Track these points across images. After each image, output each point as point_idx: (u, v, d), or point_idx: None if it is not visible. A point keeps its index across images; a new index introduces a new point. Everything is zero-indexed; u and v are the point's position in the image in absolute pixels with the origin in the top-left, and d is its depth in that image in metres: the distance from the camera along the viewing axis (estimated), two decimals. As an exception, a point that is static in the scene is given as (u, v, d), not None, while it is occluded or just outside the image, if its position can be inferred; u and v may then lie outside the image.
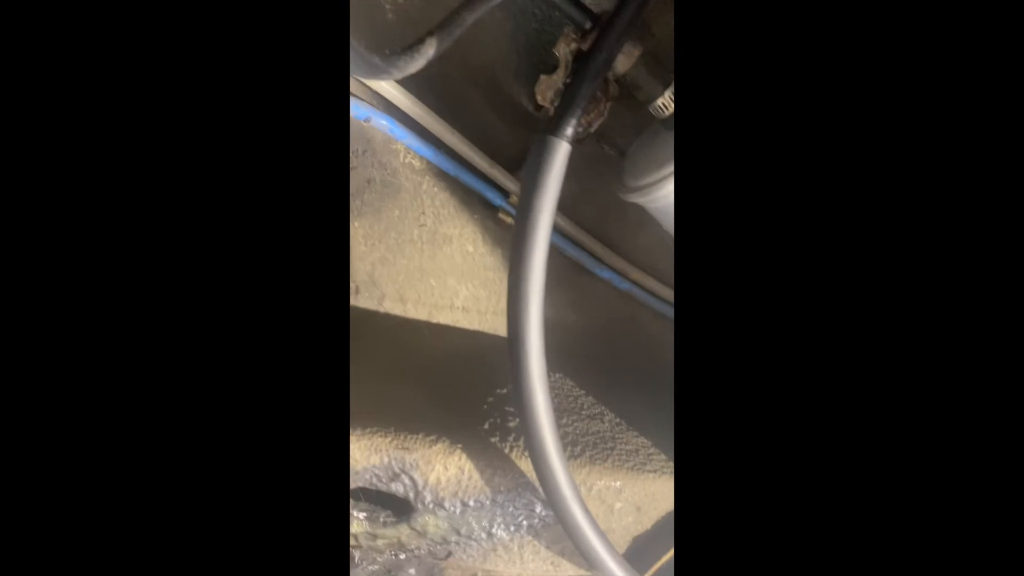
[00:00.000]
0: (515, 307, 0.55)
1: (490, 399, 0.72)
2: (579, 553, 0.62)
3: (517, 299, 0.55)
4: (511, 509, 0.67)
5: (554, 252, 0.84)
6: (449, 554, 0.69)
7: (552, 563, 0.73)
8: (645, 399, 0.86)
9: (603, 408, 0.79)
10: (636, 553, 0.78)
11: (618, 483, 0.69)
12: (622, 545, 0.77)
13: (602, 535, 0.60)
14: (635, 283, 0.88)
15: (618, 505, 0.72)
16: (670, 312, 0.92)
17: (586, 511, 0.59)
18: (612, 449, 0.73)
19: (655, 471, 0.73)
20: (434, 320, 0.84)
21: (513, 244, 0.56)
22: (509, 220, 0.79)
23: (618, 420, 0.78)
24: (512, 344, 0.56)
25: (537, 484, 0.62)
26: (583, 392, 0.80)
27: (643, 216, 0.74)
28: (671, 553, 0.75)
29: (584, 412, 0.77)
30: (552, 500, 0.58)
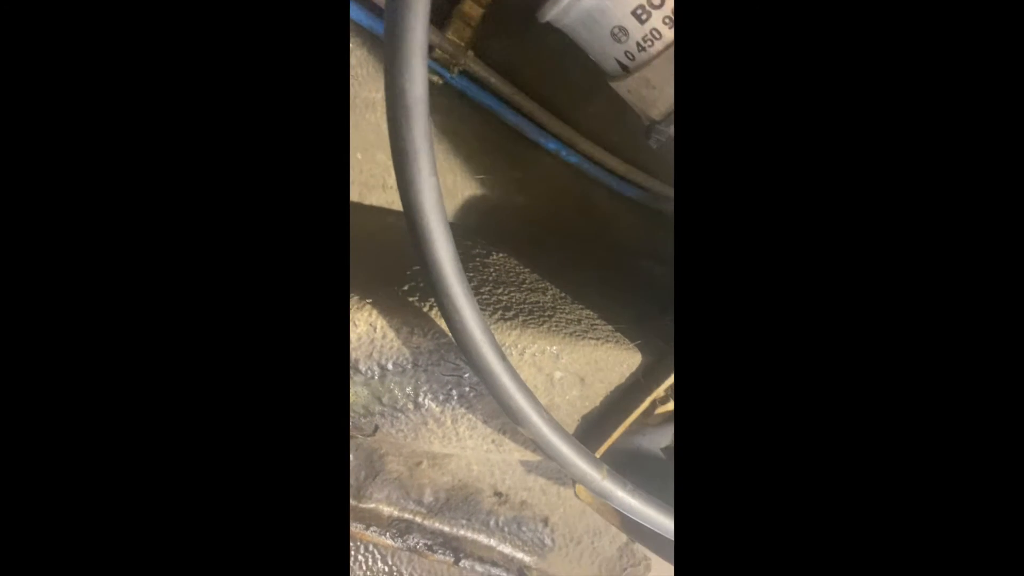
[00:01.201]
0: (397, 128, 0.47)
1: (416, 267, 0.67)
2: (511, 418, 0.58)
3: (399, 128, 0.48)
4: (437, 374, 0.62)
5: (492, 120, 0.78)
6: (376, 428, 0.65)
7: (494, 441, 0.69)
8: (596, 278, 0.80)
9: (548, 283, 0.74)
10: (588, 434, 0.73)
11: (554, 348, 0.64)
12: (570, 424, 0.72)
13: (527, 390, 0.55)
14: (585, 155, 0.82)
15: (558, 374, 0.67)
16: (626, 190, 0.86)
17: (506, 363, 0.54)
18: (551, 318, 0.67)
19: (598, 339, 0.68)
20: (365, 202, 0.78)
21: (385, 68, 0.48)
22: (436, 79, 0.73)
23: (563, 294, 0.73)
24: (398, 163, 0.49)
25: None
26: (527, 270, 0.75)
27: (592, 82, 0.68)
28: (622, 429, 0.70)
29: (525, 286, 0.71)
30: (465, 349, 0.53)
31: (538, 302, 0.69)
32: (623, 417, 0.70)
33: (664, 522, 0.66)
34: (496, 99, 0.75)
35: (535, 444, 0.59)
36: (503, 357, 0.53)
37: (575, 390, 0.69)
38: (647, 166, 0.85)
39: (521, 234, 0.82)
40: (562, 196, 0.85)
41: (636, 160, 0.85)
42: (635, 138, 0.82)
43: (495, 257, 0.75)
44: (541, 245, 0.82)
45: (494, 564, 0.85)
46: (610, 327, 0.70)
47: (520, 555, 0.89)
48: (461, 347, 0.53)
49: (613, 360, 0.68)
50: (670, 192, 0.87)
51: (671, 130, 0.59)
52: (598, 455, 0.71)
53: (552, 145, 0.80)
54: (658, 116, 0.58)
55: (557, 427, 0.57)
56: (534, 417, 0.55)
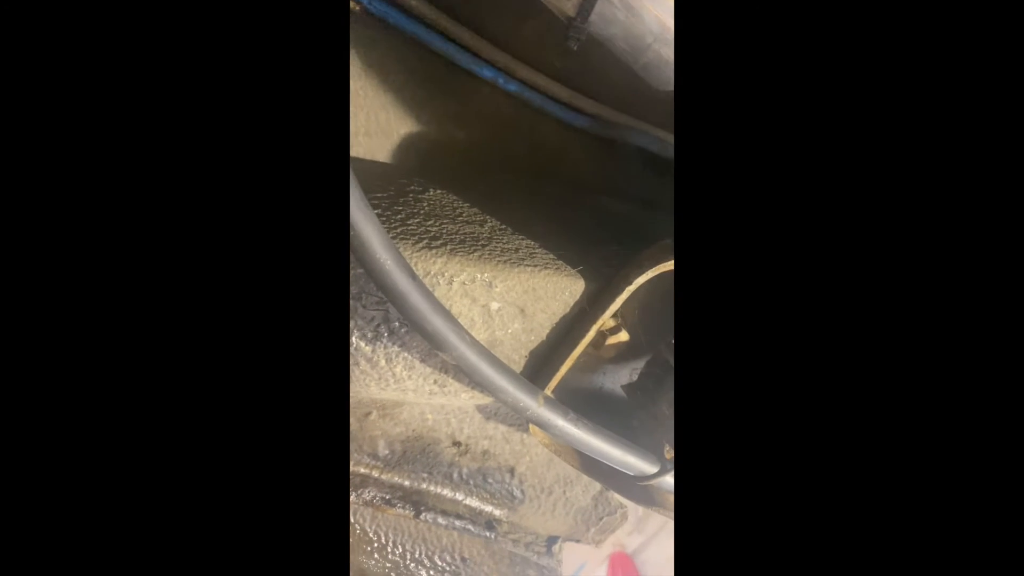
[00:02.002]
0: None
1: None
2: (429, 343, 0.54)
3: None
4: (359, 309, 0.59)
5: (419, 49, 0.73)
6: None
7: (436, 382, 0.65)
8: (544, 212, 0.76)
9: (487, 216, 0.70)
10: (538, 371, 0.70)
11: (486, 275, 0.61)
12: (517, 361, 0.69)
13: (443, 310, 0.51)
14: (524, 83, 0.77)
15: (495, 306, 0.63)
16: (573, 119, 0.82)
17: (417, 282, 0.50)
18: (484, 247, 0.64)
19: (536, 266, 0.64)
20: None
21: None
22: (353, 6, 0.69)
23: (503, 226, 0.69)
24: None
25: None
26: (467, 204, 0.71)
27: (525, 3, 0.63)
28: (570, 362, 0.67)
29: (461, 219, 0.68)
30: (368, 268, 0.49)
31: (473, 232, 0.66)
32: (571, 349, 0.66)
33: (612, 452, 0.62)
34: (421, 24, 0.71)
35: (463, 373, 0.56)
36: (413, 275, 0.50)
37: (516, 322, 0.65)
38: (595, 91, 0.81)
39: (463, 171, 0.78)
40: (506, 129, 0.81)
41: (583, 86, 0.80)
42: (580, 60, 0.78)
43: (432, 193, 0.71)
44: (485, 182, 0.78)
45: (459, 517, 0.83)
46: (551, 255, 0.66)
47: (488, 508, 0.86)
48: (363, 266, 0.49)
49: (553, 288, 0.64)
50: (620, 119, 0.83)
51: (588, 27, 0.55)
52: (549, 391, 0.67)
53: (488, 73, 0.75)
54: (572, 10, 0.54)
55: (483, 350, 0.54)
56: (453, 339, 0.52)
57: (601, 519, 0.91)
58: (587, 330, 0.65)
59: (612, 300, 0.64)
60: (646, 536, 5.57)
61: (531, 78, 0.77)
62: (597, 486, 0.89)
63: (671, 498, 0.69)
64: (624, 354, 0.75)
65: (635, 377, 0.77)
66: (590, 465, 0.72)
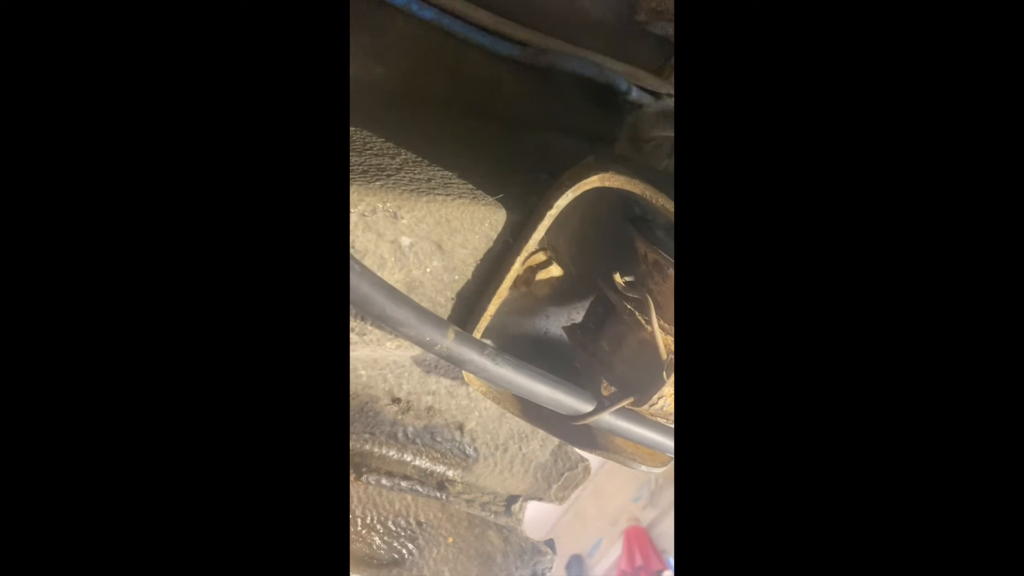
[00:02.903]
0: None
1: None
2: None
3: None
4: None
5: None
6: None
7: (355, 330, 0.61)
8: (468, 147, 0.71)
9: (401, 150, 0.65)
10: (468, 315, 0.65)
11: (389, 206, 0.56)
12: (444, 306, 0.64)
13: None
14: (441, 8, 0.72)
15: (406, 241, 0.58)
16: (502, 48, 0.76)
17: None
18: (390, 178, 0.59)
19: (449, 195, 0.59)
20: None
21: None
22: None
23: (417, 159, 0.64)
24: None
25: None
26: (380, 139, 0.66)
27: None
28: (498, 300, 0.62)
29: (368, 152, 0.63)
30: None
31: (380, 164, 0.60)
32: (498, 287, 0.61)
33: (540, 390, 0.57)
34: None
35: (358, 308, 0.51)
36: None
37: (435, 260, 0.61)
38: (524, 15, 0.75)
39: (381, 109, 0.73)
40: (428, 62, 0.75)
41: (510, 10, 0.75)
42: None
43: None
44: (405, 119, 0.73)
45: (405, 478, 0.78)
46: (469, 185, 0.61)
47: (440, 468, 0.82)
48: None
49: (470, 219, 0.59)
50: (554, 45, 0.77)
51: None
52: (478, 334, 0.63)
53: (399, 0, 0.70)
54: None
55: (378, 280, 0.49)
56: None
57: (562, 475, 0.87)
58: (512, 264, 0.60)
59: (535, 229, 0.59)
60: (660, 509, 5.54)
61: (449, 3, 0.71)
62: (555, 440, 0.85)
63: (616, 440, 0.64)
64: (565, 295, 0.70)
65: (578, 319, 0.72)
66: (532, 412, 0.68)
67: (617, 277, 0.57)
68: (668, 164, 0.64)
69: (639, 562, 4.65)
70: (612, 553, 5.04)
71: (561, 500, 0.87)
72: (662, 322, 0.60)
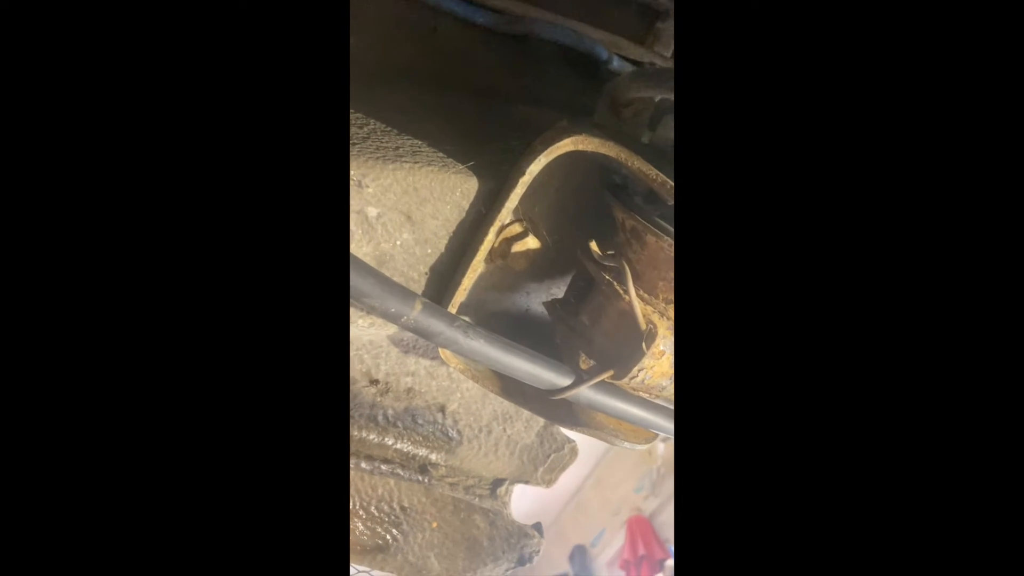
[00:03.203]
0: None
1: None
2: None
3: None
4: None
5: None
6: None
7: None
8: (435, 116, 0.69)
9: (370, 120, 0.63)
10: (443, 290, 0.63)
11: (353, 172, 0.53)
12: (419, 281, 0.62)
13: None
14: (410, -26, 0.69)
15: (372, 211, 0.56)
16: (475, 16, 0.74)
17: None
18: (355, 146, 0.56)
19: (419, 163, 0.57)
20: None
21: None
22: None
23: (386, 128, 0.62)
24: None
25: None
26: (350, 110, 0.64)
27: None
28: (472, 274, 0.60)
29: (337, 120, 0.60)
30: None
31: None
32: (472, 259, 0.59)
33: (515, 363, 0.55)
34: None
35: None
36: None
37: (404, 232, 0.58)
38: (497, -16, 0.73)
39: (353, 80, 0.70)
40: (400, 30, 0.73)
41: (482, -23, 0.72)
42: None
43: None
44: (377, 90, 0.70)
45: (386, 461, 0.76)
46: (439, 152, 0.59)
47: (422, 451, 0.80)
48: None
49: (440, 187, 0.57)
50: (531, 12, 0.75)
51: None
52: (454, 310, 0.61)
53: (367, -35, 0.67)
54: None
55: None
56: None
57: (549, 456, 0.85)
58: (485, 236, 0.58)
59: (508, 197, 0.57)
60: (662, 499, 5.52)
61: (418, -32, 0.69)
62: (540, 421, 0.83)
63: (598, 417, 0.62)
64: (544, 268, 0.68)
65: (560, 294, 0.70)
66: (512, 390, 0.66)
67: (594, 246, 0.55)
68: (648, 136, 0.62)
69: (642, 551, 4.64)
70: (615, 543, 5.04)
71: (548, 483, 0.85)
72: (641, 292, 0.58)
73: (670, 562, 4.33)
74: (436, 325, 0.51)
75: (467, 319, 0.56)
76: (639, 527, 4.87)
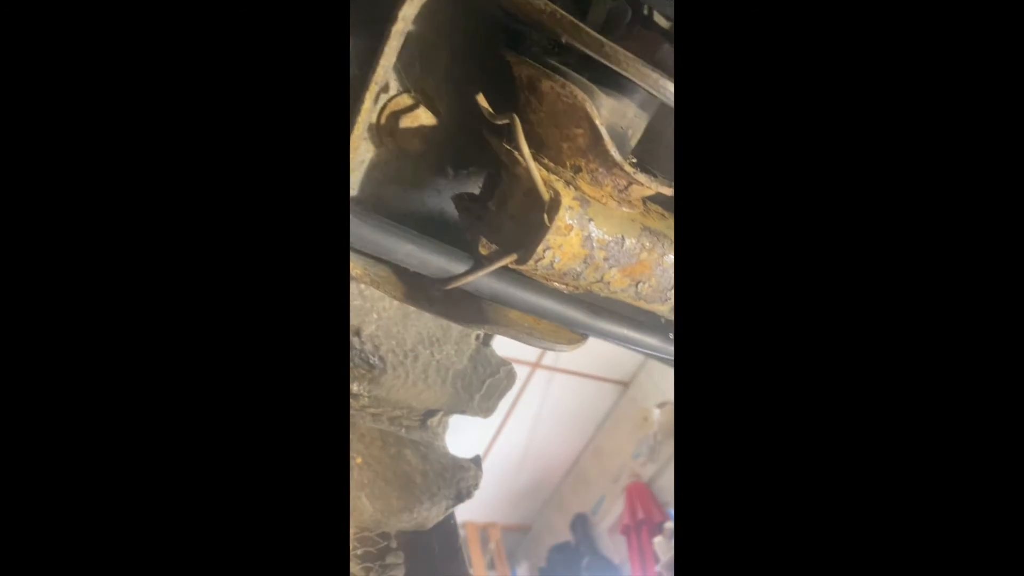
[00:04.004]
0: None
1: None
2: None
3: None
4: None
5: None
6: None
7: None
8: None
9: None
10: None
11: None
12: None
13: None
14: None
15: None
16: None
17: None
18: None
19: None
20: None
21: None
22: None
23: None
24: None
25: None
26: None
27: None
28: (351, 163, 0.51)
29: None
30: None
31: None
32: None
33: (399, 247, 0.47)
34: None
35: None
36: None
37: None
38: None
39: None
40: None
41: None
42: None
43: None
44: None
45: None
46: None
47: (340, 381, 0.72)
48: None
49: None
50: None
51: None
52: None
53: None
54: None
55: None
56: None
57: (484, 383, 0.77)
58: (361, 104, 0.50)
59: (382, 54, 0.48)
60: (660, 464, 5.54)
61: None
62: (471, 344, 0.75)
63: (510, 314, 0.55)
64: (448, 152, 0.60)
65: (475, 190, 0.62)
66: (414, 290, 0.58)
67: (481, 100, 0.47)
68: None
69: (641, 516, 4.62)
70: (615, 509, 5.04)
71: (487, 412, 0.78)
72: (545, 160, 0.50)
73: (668, 524, 4.31)
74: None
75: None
76: (638, 493, 4.86)
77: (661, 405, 4.68)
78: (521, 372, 3.84)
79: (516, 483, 5.08)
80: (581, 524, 5.12)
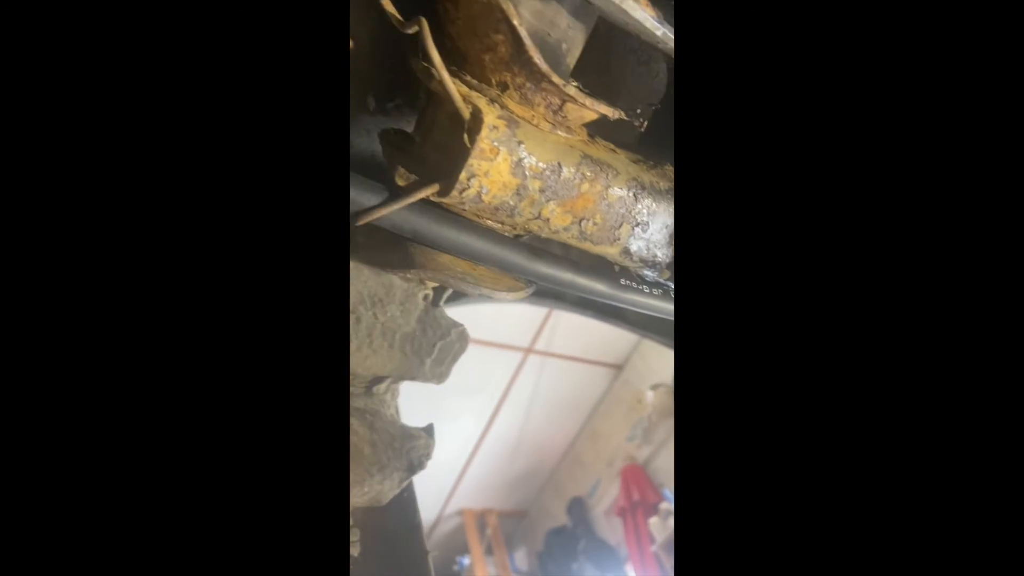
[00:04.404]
0: None
1: None
2: None
3: None
4: None
5: None
6: None
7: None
8: None
9: None
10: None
11: None
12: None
13: None
14: None
15: None
16: None
17: None
18: None
19: None
20: None
21: None
22: None
23: None
24: None
25: None
26: None
27: None
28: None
29: None
30: None
31: None
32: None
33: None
34: None
35: None
36: None
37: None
38: None
39: None
40: None
41: None
42: None
43: None
44: None
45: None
46: None
47: (276, 346, 0.67)
48: None
49: None
50: None
51: None
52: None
53: None
54: None
55: None
56: None
57: (435, 346, 0.72)
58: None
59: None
60: (655, 445, 5.53)
61: None
62: (419, 303, 0.70)
63: (441, 258, 0.49)
64: (372, 88, 0.54)
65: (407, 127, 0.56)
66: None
67: (387, 3, 0.41)
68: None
69: (636, 497, 4.61)
70: (611, 492, 5.03)
71: (440, 378, 0.73)
72: (468, 77, 0.45)
73: (663, 505, 4.30)
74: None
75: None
76: (633, 475, 4.85)
77: (655, 387, 4.65)
78: (514, 358, 3.79)
79: (512, 469, 5.06)
80: (578, 507, 5.10)
